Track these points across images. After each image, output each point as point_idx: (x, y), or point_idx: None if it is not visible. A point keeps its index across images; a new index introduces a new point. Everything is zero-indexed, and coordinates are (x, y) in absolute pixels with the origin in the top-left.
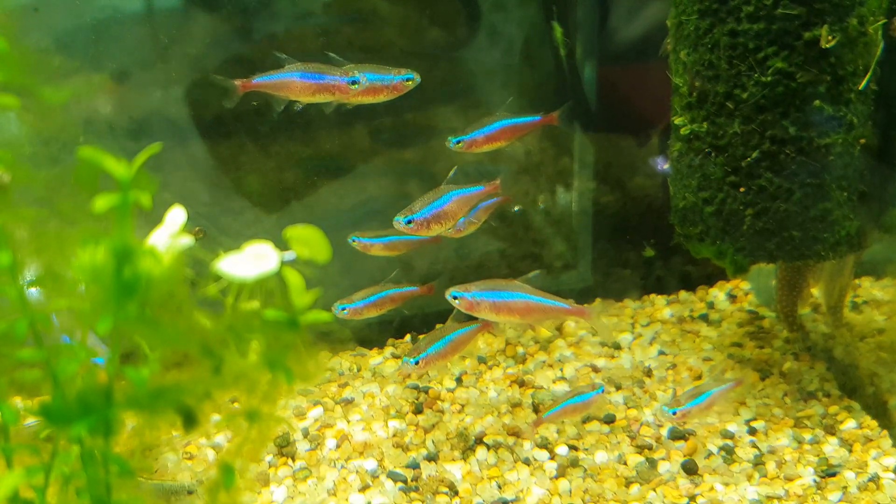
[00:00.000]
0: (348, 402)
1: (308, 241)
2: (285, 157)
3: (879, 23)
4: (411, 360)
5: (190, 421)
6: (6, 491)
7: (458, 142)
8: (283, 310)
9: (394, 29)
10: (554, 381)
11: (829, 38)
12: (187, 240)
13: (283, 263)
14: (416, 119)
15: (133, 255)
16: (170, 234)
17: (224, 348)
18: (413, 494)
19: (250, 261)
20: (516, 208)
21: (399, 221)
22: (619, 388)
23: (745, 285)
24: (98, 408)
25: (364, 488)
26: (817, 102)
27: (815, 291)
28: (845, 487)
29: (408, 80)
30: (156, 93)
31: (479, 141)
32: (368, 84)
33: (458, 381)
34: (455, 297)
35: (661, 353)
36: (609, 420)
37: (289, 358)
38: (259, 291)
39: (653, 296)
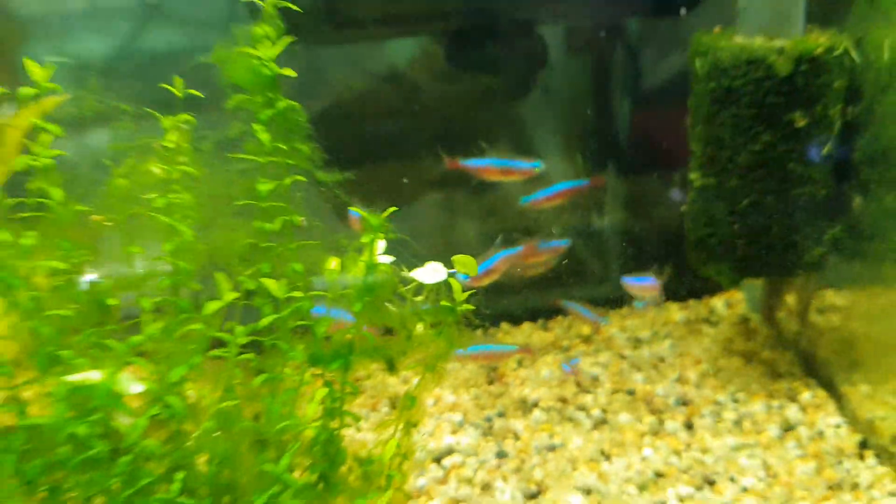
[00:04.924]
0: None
1: (465, 263)
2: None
3: (837, 108)
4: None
5: (391, 367)
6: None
7: (527, 201)
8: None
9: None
10: (591, 366)
11: (802, 120)
12: (389, 259)
13: (448, 275)
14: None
15: (375, 268)
16: (380, 253)
17: (413, 324)
18: (489, 437)
19: (430, 272)
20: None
21: None
22: (639, 370)
23: (739, 296)
24: (344, 354)
25: (454, 432)
26: (791, 164)
27: (790, 300)
28: (799, 438)
29: (535, 167)
30: None
31: (541, 200)
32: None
33: (519, 363)
34: None
35: (673, 345)
36: (631, 393)
37: (449, 330)
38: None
39: (668, 303)
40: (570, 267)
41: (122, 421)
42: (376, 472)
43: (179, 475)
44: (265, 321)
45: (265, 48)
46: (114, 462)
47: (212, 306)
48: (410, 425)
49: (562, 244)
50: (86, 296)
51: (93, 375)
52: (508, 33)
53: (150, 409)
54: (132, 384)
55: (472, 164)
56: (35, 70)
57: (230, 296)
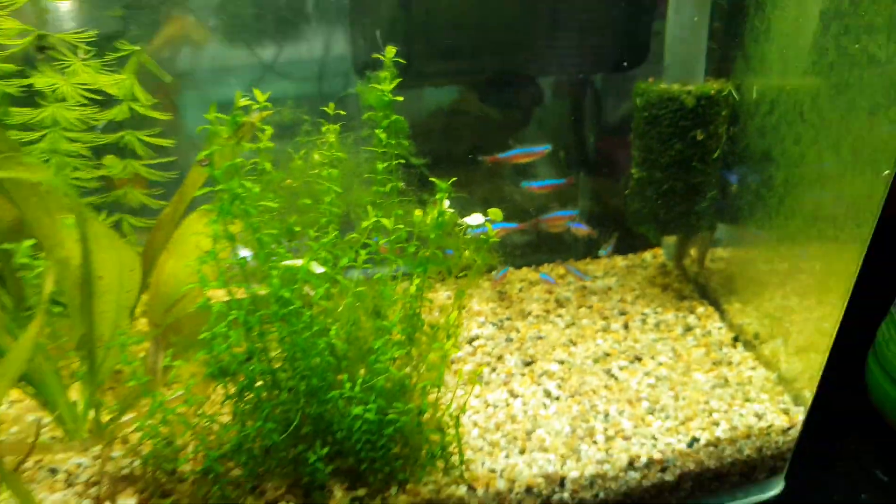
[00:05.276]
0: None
1: (495, 213)
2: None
3: (724, 128)
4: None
5: (449, 272)
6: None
7: (525, 185)
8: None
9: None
10: (565, 292)
11: (701, 135)
12: (452, 209)
13: (485, 220)
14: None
15: (444, 213)
16: (446, 206)
17: (462, 249)
18: (501, 330)
19: (474, 219)
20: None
21: None
22: (595, 294)
23: (660, 251)
24: (424, 263)
25: (479, 326)
26: (694, 163)
27: (693, 251)
28: (695, 335)
29: (546, 149)
30: None
31: (534, 188)
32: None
33: (520, 290)
34: None
35: (617, 280)
36: (590, 307)
37: (484, 254)
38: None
39: (616, 256)
40: (554, 236)
41: (309, 291)
42: (442, 331)
43: (333, 328)
44: (381, 242)
45: (386, 85)
46: (301, 315)
47: (365, 224)
48: (461, 307)
49: (573, 213)
50: (283, 225)
51: (297, 262)
52: (519, 83)
53: (325, 283)
54: (318, 267)
55: (506, 154)
56: (259, 94)
57: (373, 218)
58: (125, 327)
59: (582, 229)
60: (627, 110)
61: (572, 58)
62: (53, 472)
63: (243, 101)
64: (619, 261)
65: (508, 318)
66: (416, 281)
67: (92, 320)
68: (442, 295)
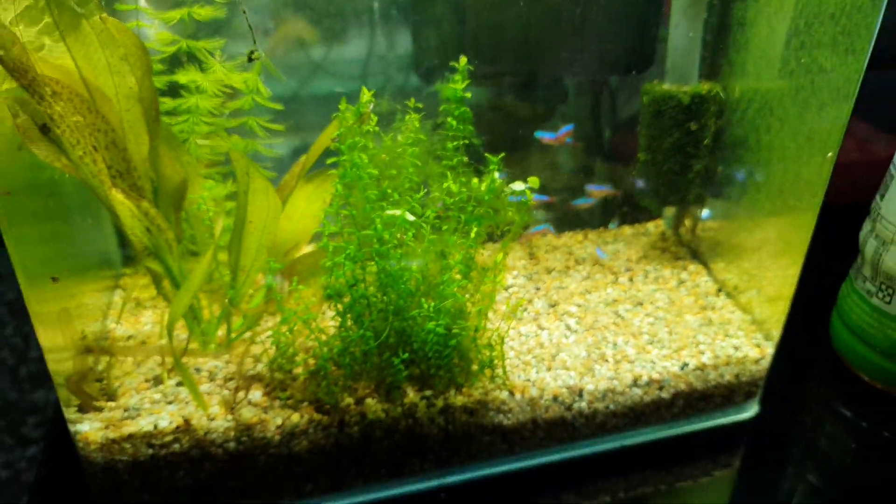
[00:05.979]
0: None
1: (534, 181)
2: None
3: (712, 120)
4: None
5: (497, 227)
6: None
7: (539, 136)
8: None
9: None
10: (583, 254)
11: (694, 126)
12: (502, 176)
13: (526, 187)
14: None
15: (495, 181)
16: (497, 176)
17: (506, 209)
18: (531, 281)
19: (518, 185)
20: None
21: None
22: (606, 255)
23: (661, 222)
24: (479, 218)
25: (514, 278)
26: (688, 149)
27: (687, 222)
28: (687, 286)
29: (572, 127)
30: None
31: (544, 140)
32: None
33: (545, 251)
34: None
35: (625, 244)
36: (602, 265)
37: (523, 214)
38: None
39: (624, 226)
40: (577, 211)
41: (402, 236)
42: (490, 272)
43: (414, 266)
44: (448, 202)
45: (458, 84)
46: (393, 250)
47: (445, 185)
48: (506, 252)
49: (609, 188)
50: (380, 188)
51: (395, 212)
52: (547, 83)
53: (412, 229)
54: (411, 216)
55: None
56: (366, 91)
57: (450, 181)
58: (262, 261)
59: (604, 191)
60: (636, 106)
61: (592, 63)
62: (198, 370)
63: (367, 96)
64: (627, 229)
65: (536, 273)
66: (474, 231)
67: (239, 255)
68: (485, 254)
